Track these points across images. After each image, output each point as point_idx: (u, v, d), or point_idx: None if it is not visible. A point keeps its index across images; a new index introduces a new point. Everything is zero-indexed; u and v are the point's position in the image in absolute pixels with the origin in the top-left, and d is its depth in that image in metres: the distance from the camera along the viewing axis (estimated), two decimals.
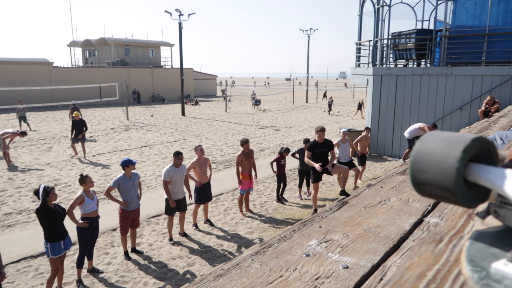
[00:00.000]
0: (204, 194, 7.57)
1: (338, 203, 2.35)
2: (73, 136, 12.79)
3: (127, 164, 6.25)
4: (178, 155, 6.85)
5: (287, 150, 9.05)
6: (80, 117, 13.12)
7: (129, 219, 6.35)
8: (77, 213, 5.67)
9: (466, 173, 0.46)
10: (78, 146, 13.16)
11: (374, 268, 1.29)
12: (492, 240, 0.53)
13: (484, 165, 0.47)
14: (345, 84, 55.05)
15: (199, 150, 7.51)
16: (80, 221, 5.61)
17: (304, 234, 1.79)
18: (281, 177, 9.14)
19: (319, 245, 1.53)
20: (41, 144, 15.45)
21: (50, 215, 5.04)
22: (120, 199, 6.38)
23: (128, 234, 6.54)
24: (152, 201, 8.77)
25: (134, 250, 6.57)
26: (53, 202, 5.18)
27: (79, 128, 12.76)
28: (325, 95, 43.02)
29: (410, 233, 1.56)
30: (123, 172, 6.30)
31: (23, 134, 12.33)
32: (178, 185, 6.92)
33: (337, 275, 1.26)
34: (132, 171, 6.42)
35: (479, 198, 0.48)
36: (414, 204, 1.92)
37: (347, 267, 1.30)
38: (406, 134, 10.94)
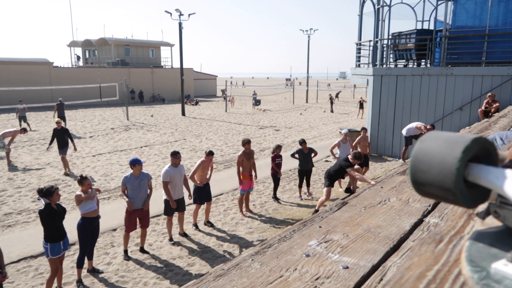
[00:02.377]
0: (204, 194, 7.57)
1: (338, 203, 2.36)
2: (50, 146, 11.25)
3: (134, 164, 6.31)
4: (176, 155, 6.87)
5: (278, 147, 9.04)
6: (62, 125, 11.44)
7: (133, 218, 6.36)
8: (77, 213, 5.67)
9: (466, 173, 0.46)
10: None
11: (374, 268, 1.29)
12: (492, 240, 0.53)
13: (484, 165, 0.47)
14: (355, 85, 52.93)
15: (209, 158, 7.51)
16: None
17: (304, 234, 1.79)
18: (274, 176, 9.15)
19: (319, 245, 1.53)
20: (41, 144, 15.44)
21: (53, 215, 5.04)
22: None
23: (137, 233, 6.52)
24: (152, 201, 8.74)
25: (142, 249, 6.58)
26: (56, 202, 5.19)
27: (61, 138, 11.11)
28: (337, 96, 42.86)
29: (410, 233, 1.56)
30: (131, 171, 6.37)
31: (23, 130, 12.27)
32: (177, 185, 6.92)
33: (337, 275, 1.26)
34: (144, 171, 6.48)
35: (479, 198, 0.48)
36: (414, 204, 1.92)
37: (347, 267, 1.30)
38: (404, 131, 10.99)
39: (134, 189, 6.30)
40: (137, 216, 6.41)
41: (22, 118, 18.77)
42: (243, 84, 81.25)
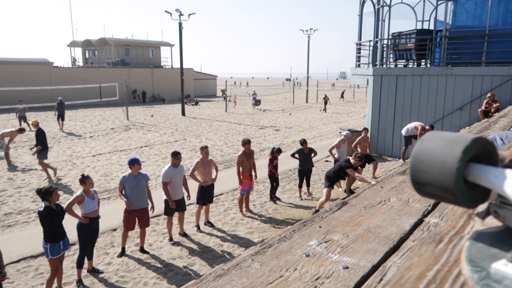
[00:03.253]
0: (206, 195, 7.56)
1: (338, 203, 2.35)
2: (37, 150, 10.46)
3: (133, 163, 6.31)
4: (176, 155, 6.87)
5: (279, 151, 9.08)
6: (39, 126, 10.75)
7: (132, 218, 6.36)
8: (78, 212, 5.68)
9: (466, 173, 0.46)
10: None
11: (374, 269, 1.29)
12: (492, 240, 0.53)
13: (484, 165, 0.47)
14: (358, 85, 50.55)
15: (204, 151, 7.51)
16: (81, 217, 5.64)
17: (304, 234, 1.79)
18: (273, 178, 9.16)
19: (319, 245, 1.53)
20: None
21: (52, 215, 5.04)
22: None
23: (136, 233, 6.52)
24: None
25: (142, 249, 6.57)
26: (55, 202, 5.19)
27: (41, 140, 10.48)
28: (342, 96, 42.85)
29: (410, 233, 1.56)
30: (130, 170, 6.37)
31: (21, 130, 12.17)
32: (177, 186, 6.92)
33: (337, 275, 1.26)
34: (141, 172, 6.47)
35: (479, 198, 0.48)
36: (414, 204, 1.92)
37: (347, 267, 1.30)
38: (403, 131, 11.04)
39: (132, 189, 6.29)
40: (136, 216, 6.40)
41: (22, 118, 18.77)
42: (247, 84, 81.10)
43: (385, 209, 1.93)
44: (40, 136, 10.54)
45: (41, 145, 10.49)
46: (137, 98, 35.77)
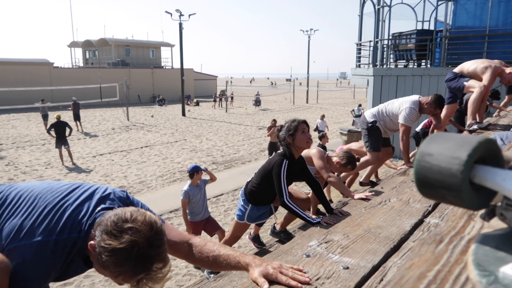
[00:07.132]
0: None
1: (338, 204, 2.35)
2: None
3: (195, 171, 5.52)
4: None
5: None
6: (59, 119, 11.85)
7: (200, 229, 5.72)
8: None
9: (472, 175, 0.45)
10: None
11: (375, 269, 1.28)
12: (498, 243, 0.53)
13: (490, 167, 0.46)
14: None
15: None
16: None
17: (304, 235, 1.79)
18: None
19: (319, 246, 1.53)
20: (41, 144, 15.44)
21: None
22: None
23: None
24: (152, 201, 8.75)
25: None
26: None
27: (56, 130, 11.52)
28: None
29: (411, 234, 1.55)
30: (189, 182, 5.61)
31: None
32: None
33: (337, 275, 1.26)
34: (202, 178, 5.69)
35: (485, 200, 0.48)
36: (414, 204, 1.92)
37: (348, 268, 1.30)
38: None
39: (197, 202, 5.56)
40: (201, 227, 5.76)
41: (44, 116, 18.07)
42: (275, 84, 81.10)
43: (385, 209, 1.92)
44: (56, 126, 11.95)
45: (57, 134, 11.89)
46: (161, 102, 34.45)
